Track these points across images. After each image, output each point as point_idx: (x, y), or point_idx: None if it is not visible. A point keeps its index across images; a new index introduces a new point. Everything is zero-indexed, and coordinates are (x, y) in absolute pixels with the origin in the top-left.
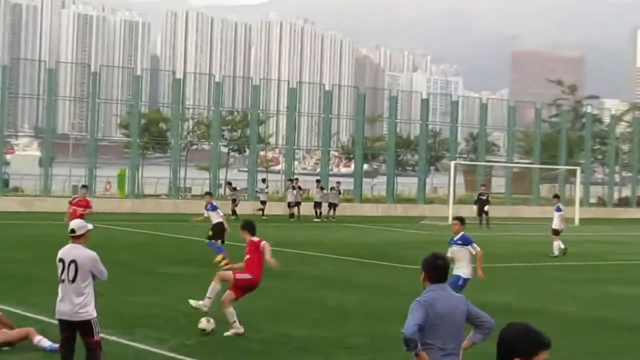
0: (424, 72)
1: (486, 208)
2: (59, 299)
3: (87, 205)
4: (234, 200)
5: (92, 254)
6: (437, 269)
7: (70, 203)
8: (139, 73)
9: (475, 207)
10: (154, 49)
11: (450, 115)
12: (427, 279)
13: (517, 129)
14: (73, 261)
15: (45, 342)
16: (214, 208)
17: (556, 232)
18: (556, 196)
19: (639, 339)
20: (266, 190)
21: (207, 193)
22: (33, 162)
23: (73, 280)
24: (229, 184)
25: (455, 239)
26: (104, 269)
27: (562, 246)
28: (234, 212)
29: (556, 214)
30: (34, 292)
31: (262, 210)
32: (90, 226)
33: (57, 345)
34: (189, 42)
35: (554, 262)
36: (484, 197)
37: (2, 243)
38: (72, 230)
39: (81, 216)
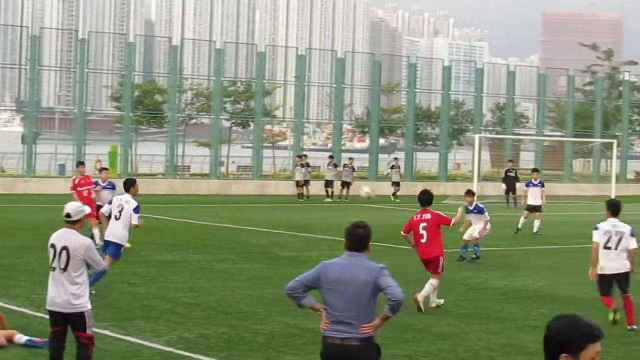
0: (445, 36)
1: (517, 185)
2: (50, 288)
3: (90, 183)
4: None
5: (87, 241)
6: (352, 238)
7: (75, 186)
8: (131, 40)
9: (503, 185)
10: (147, 14)
11: (475, 84)
12: (344, 246)
13: (547, 98)
14: (65, 248)
15: (23, 338)
16: None
17: (539, 209)
18: (536, 170)
19: None
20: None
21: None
22: (15, 139)
23: (64, 269)
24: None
25: (471, 208)
26: (99, 257)
27: (519, 226)
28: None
29: (539, 190)
30: (17, 283)
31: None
32: (88, 210)
33: (37, 339)
34: (187, 6)
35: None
36: (512, 174)
37: None
38: (68, 215)
39: (88, 199)
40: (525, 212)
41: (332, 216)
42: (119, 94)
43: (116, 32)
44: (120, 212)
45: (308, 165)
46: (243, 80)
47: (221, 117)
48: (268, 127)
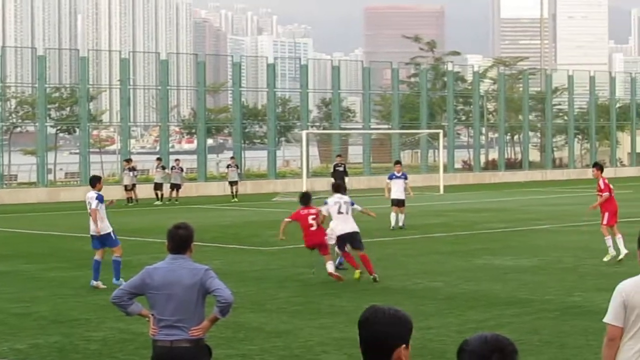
0: (269, 34)
1: (346, 180)
2: None
3: None
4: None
5: None
6: (173, 239)
7: None
8: None
9: (332, 180)
10: None
11: (300, 81)
12: (167, 248)
13: (373, 92)
14: None
15: None
16: None
17: (403, 203)
18: (398, 162)
19: (512, 311)
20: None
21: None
22: None
23: None
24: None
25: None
26: None
27: (393, 223)
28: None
29: (402, 182)
30: None
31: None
32: None
33: None
34: (7, 12)
35: (418, 235)
36: (340, 169)
37: None
38: None
39: None
40: (394, 207)
41: (162, 219)
42: None
43: None
44: None
45: (135, 169)
46: (67, 85)
47: (46, 124)
48: (95, 132)
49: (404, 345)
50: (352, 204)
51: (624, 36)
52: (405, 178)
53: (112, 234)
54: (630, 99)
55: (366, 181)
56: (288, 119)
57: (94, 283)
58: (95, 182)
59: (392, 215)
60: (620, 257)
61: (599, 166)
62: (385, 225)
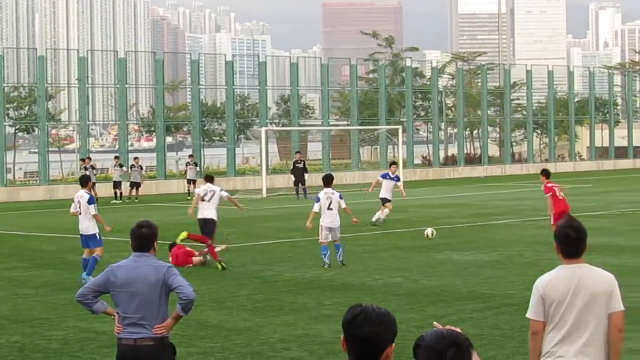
0: (227, 32)
1: (306, 177)
2: None
3: None
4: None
5: None
6: (136, 238)
7: None
8: None
9: (292, 177)
10: None
11: (259, 78)
12: (131, 247)
13: (332, 88)
14: None
15: None
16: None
17: (388, 201)
18: (394, 163)
19: (474, 306)
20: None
21: None
22: None
23: None
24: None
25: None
26: None
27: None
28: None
29: (393, 183)
30: None
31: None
32: None
33: None
34: None
35: (378, 231)
36: (300, 165)
37: None
38: None
39: None
40: (382, 206)
41: (122, 217)
42: None
43: None
44: None
45: (93, 167)
46: (25, 85)
47: (5, 123)
48: (54, 131)
49: (392, 344)
50: (341, 198)
51: (582, 30)
52: (398, 180)
53: (97, 235)
54: (588, 93)
55: None
56: (247, 116)
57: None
58: (86, 181)
59: (379, 213)
60: None
61: (544, 172)
62: (346, 222)
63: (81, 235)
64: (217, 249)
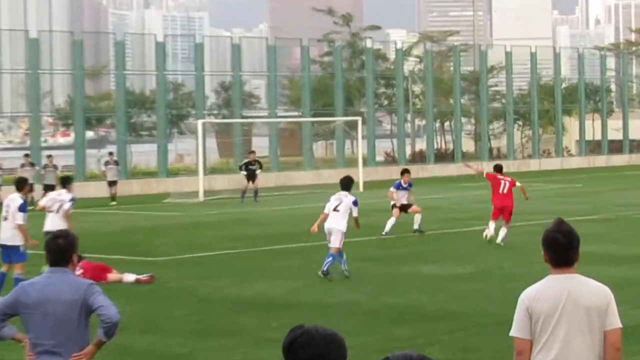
0: (158, 8)
1: (258, 172)
2: None
3: None
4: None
5: None
6: (51, 251)
7: None
8: None
9: (247, 182)
10: None
11: (195, 62)
12: (46, 261)
13: (280, 74)
14: None
15: None
16: None
17: (409, 207)
18: (407, 171)
19: (444, 326)
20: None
21: None
22: None
23: None
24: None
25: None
26: None
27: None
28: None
29: (407, 193)
30: None
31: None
32: None
33: None
34: None
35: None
36: (254, 167)
37: None
38: None
39: None
40: (396, 211)
41: (33, 226)
42: None
43: None
44: None
45: (1, 167)
46: None
47: None
48: None
49: None
50: (356, 204)
51: (570, 6)
52: (410, 186)
53: (21, 247)
54: (577, 78)
55: (274, 178)
56: (181, 107)
57: None
58: (22, 184)
59: (392, 220)
60: (494, 240)
61: (496, 167)
62: (304, 230)
63: (1, 245)
64: (130, 278)
